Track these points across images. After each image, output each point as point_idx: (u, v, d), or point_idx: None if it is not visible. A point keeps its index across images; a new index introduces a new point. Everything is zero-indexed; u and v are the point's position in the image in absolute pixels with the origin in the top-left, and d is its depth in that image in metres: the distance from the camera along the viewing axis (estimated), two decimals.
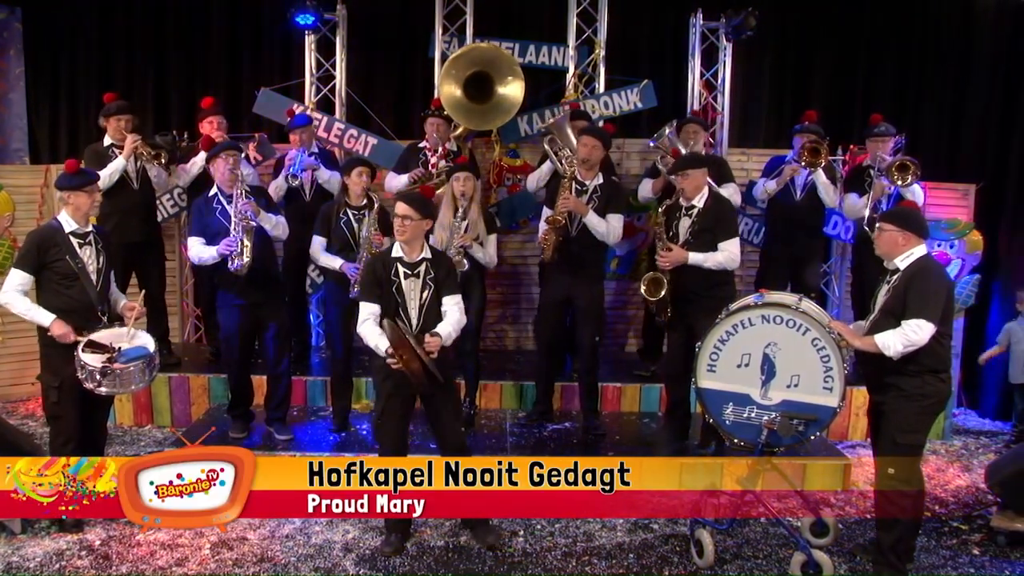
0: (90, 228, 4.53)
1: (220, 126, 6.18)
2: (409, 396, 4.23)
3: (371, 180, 5.38)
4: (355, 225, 5.26)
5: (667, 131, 5.86)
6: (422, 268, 4.19)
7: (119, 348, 4.28)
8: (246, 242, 5.00)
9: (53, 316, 4.34)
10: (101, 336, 4.34)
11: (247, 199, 5.02)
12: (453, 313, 4.20)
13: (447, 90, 6.25)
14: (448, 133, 6.20)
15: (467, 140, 6.57)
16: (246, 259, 5.00)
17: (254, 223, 5.01)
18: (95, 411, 4.63)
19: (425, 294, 4.18)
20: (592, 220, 5.22)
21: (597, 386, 5.68)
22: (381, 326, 4.09)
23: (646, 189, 6.18)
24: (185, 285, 7.21)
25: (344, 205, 5.32)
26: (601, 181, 5.35)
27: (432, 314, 4.19)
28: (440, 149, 6.02)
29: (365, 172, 5.31)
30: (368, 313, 4.17)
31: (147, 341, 4.45)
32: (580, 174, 5.32)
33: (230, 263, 5.00)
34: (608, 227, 5.26)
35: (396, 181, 6.05)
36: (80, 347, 4.26)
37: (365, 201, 5.30)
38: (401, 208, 4.14)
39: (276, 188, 6.00)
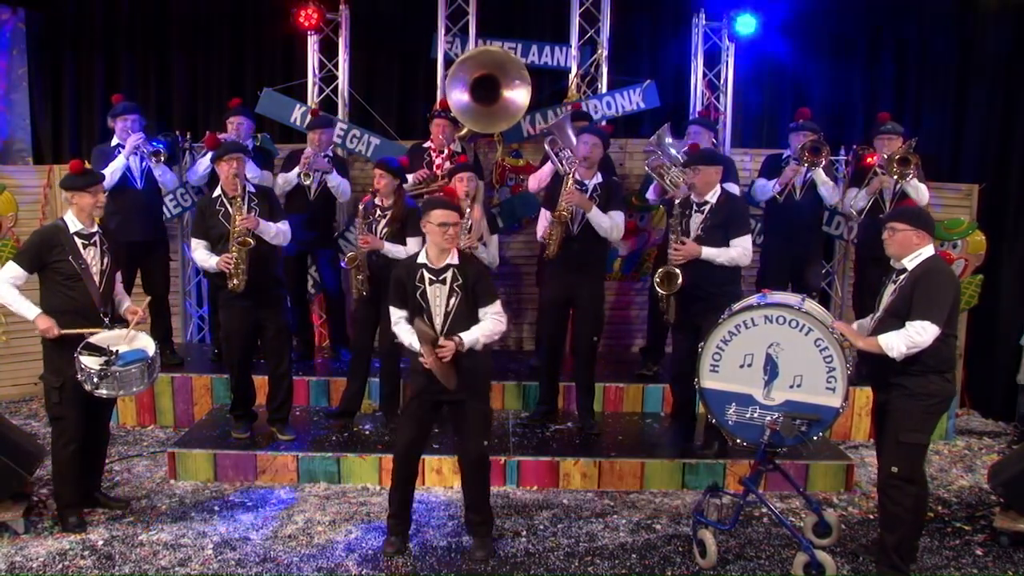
0: (95, 229, 4.52)
1: (240, 127, 6.20)
2: (433, 400, 4.18)
3: (393, 182, 5.33)
4: (374, 225, 5.35)
5: (659, 133, 5.85)
6: (448, 274, 4.11)
7: (116, 351, 4.25)
8: (242, 264, 5.02)
9: (38, 310, 4.34)
10: (101, 338, 4.33)
11: (246, 215, 5.03)
12: (487, 321, 4.10)
13: (454, 92, 6.23)
14: (454, 134, 6.20)
15: (470, 141, 6.57)
16: (242, 277, 5.04)
17: (252, 242, 5.02)
18: (98, 412, 4.62)
19: (452, 301, 4.10)
20: (596, 216, 5.23)
21: (593, 386, 5.69)
22: (413, 324, 4.12)
23: (649, 190, 6.23)
24: (188, 285, 7.21)
25: (376, 206, 5.39)
26: (600, 180, 5.36)
27: (459, 321, 4.08)
28: (445, 150, 6.03)
29: (379, 173, 5.34)
30: (397, 316, 4.21)
31: (147, 344, 4.43)
32: (580, 173, 5.33)
33: (228, 281, 5.05)
34: (611, 223, 5.27)
35: None
36: (78, 349, 4.25)
37: (391, 201, 5.34)
38: (448, 216, 4.06)
39: (284, 182, 6.05)
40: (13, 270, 4.39)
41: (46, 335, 4.32)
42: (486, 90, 6.31)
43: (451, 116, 6.18)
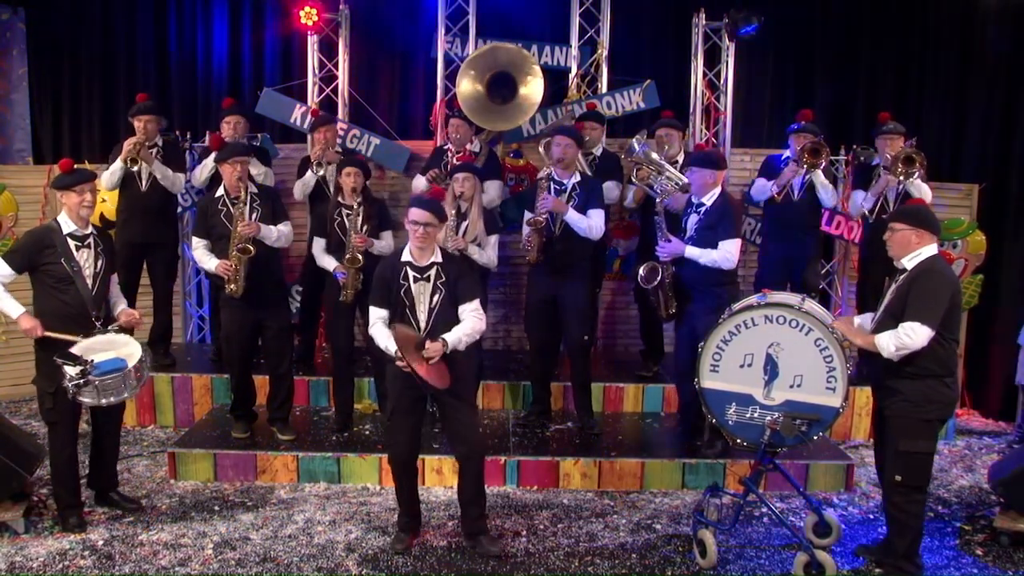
0: (90, 230, 4.47)
1: (238, 126, 6.20)
2: (419, 397, 4.20)
3: (363, 180, 5.37)
4: (347, 224, 5.30)
5: (636, 145, 5.78)
6: (432, 272, 4.15)
7: (91, 360, 4.16)
8: (240, 271, 5.02)
9: (22, 309, 4.29)
10: (84, 346, 4.26)
11: (248, 222, 5.02)
12: (468, 320, 4.14)
13: (466, 91, 6.21)
14: (470, 134, 6.19)
15: (491, 144, 6.56)
16: (241, 283, 5.04)
17: (252, 251, 5.01)
18: (105, 416, 4.64)
19: (436, 298, 4.14)
20: (572, 217, 5.25)
21: (589, 385, 5.69)
22: (391, 328, 4.11)
23: (629, 199, 6.16)
24: (188, 285, 7.21)
25: (339, 205, 5.36)
26: (579, 179, 5.37)
27: (442, 318, 4.13)
28: (462, 150, 6.02)
29: (353, 172, 5.31)
30: (376, 317, 4.19)
31: (132, 352, 4.32)
32: (557, 174, 5.35)
33: (227, 285, 5.05)
34: (589, 223, 5.28)
35: (417, 181, 6.07)
36: (57, 357, 4.16)
37: (359, 200, 5.32)
38: (421, 215, 4.09)
39: (303, 186, 6.05)
40: (2, 268, 4.32)
41: (30, 335, 4.27)
42: (503, 88, 6.28)
43: (466, 116, 6.16)
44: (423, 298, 4.14)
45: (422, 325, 4.14)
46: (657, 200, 5.24)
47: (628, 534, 4.59)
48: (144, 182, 5.94)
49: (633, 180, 5.82)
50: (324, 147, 6.00)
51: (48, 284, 4.34)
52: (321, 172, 5.95)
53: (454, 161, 5.94)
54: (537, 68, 6.28)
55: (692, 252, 4.95)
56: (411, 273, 4.15)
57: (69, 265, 4.33)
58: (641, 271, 5.13)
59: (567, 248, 5.33)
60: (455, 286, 4.15)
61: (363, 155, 6.59)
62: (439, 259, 4.20)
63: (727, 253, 4.91)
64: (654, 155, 5.71)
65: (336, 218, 5.34)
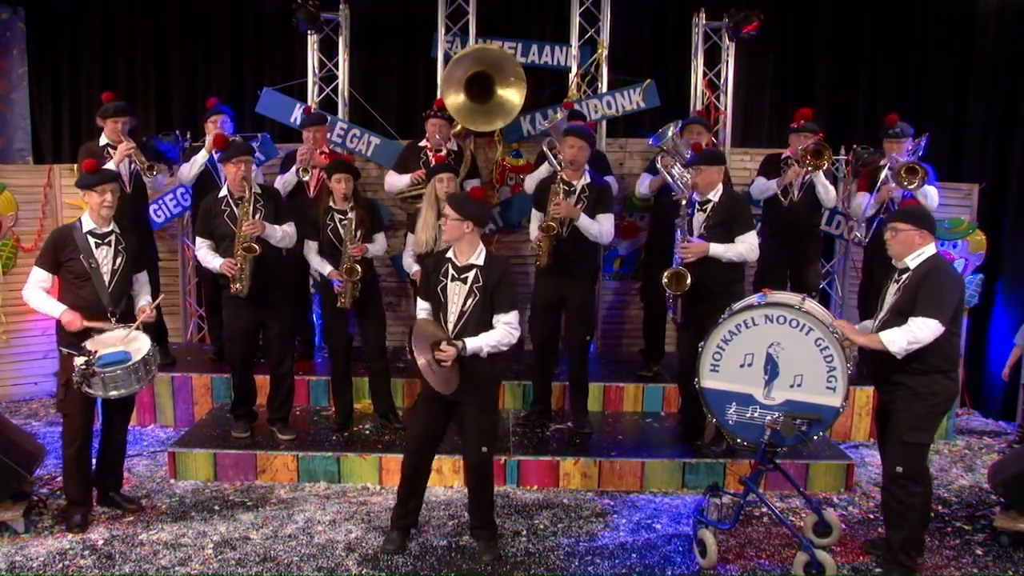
0: (111, 228, 4.54)
1: (224, 124, 6.18)
2: (437, 397, 4.09)
3: (354, 183, 5.32)
4: (341, 230, 5.28)
5: (671, 131, 5.83)
6: (471, 274, 4.05)
7: (95, 352, 4.23)
8: (246, 270, 5.02)
9: (63, 307, 4.42)
10: (98, 340, 4.34)
11: (253, 221, 5.02)
12: (497, 330, 3.99)
13: (449, 90, 6.23)
14: (450, 133, 6.19)
15: (466, 138, 6.56)
16: (246, 282, 5.04)
17: (258, 249, 5.00)
18: (115, 414, 4.68)
19: (469, 301, 4.03)
20: (584, 222, 5.23)
21: (587, 385, 5.70)
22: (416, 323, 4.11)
23: (644, 186, 6.18)
24: (188, 285, 7.21)
25: (331, 209, 5.34)
26: (588, 181, 5.35)
27: (473, 323, 4.01)
28: (442, 149, 6.02)
29: (344, 178, 5.26)
30: (420, 309, 4.20)
31: (140, 346, 4.37)
32: (567, 175, 5.33)
33: (231, 285, 5.05)
34: (600, 228, 5.27)
35: (397, 180, 6.06)
36: (63, 347, 4.31)
37: (351, 204, 5.30)
38: (448, 211, 4.07)
39: (284, 183, 6.03)
40: (38, 274, 4.50)
41: (70, 328, 4.38)
42: (480, 88, 6.30)
43: (447, 115, 6.16)
44: (456, 299, 4.05)
45: (451, 327, 4.04)
46: (683, 203, 5.19)
47: (628, 534, 4.59)
48: (129, 186, 5.82)
49: (657, 165, 5.84)
50: (311, 149, 5.97)
51: (68, 280, 4.49)
52: (307, 177, 5.94)
53: (432, 160, 5.94)
54: (521, 72, 6.28)
55: (717, 249, 4.92)
56: (451, 271, 4.09)
57: (87, 262, 4.45)
58: (665, 277, 5.00)
59: (574, 250, 5.32)
60: (492, 293, 4.03)
61: (350, 155, 6.54)
62: (480, 261, 4.07)
63: (751, 245, 4.95)
64: (683, 148, 5.74)
65: (329, 223, 5.31)
